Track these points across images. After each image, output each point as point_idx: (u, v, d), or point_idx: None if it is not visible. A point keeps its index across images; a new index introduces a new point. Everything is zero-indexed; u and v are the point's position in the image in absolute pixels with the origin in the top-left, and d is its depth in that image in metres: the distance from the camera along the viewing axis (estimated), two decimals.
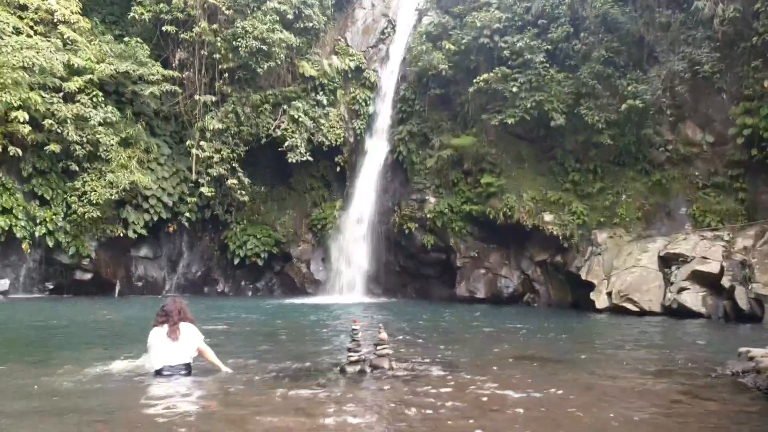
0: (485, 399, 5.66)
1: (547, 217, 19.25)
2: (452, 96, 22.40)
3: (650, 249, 16.89)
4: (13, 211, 18.64)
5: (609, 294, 16.59)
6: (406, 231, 21.60)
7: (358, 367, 6.82)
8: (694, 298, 15.02)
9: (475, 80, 20.22)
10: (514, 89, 19.63)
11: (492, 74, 19.92)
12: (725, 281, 14.64)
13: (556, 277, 19.67)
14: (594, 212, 19.19)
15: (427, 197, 21.69)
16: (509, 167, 20.78)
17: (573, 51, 19.98)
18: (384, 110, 23.73)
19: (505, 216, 19.74)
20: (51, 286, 20.35)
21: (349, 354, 6.95)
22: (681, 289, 15.29)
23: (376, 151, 23.43)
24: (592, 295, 17.04)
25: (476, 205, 20.68)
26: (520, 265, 20.32)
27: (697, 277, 15.22)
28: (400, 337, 10.45)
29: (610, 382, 6.79)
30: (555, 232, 18.87)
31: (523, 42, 20.01)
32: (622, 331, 12.42)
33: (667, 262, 16.32)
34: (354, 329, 6.96)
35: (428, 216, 21.19)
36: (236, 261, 23.09)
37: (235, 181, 22.58)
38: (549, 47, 20.14)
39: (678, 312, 15.07)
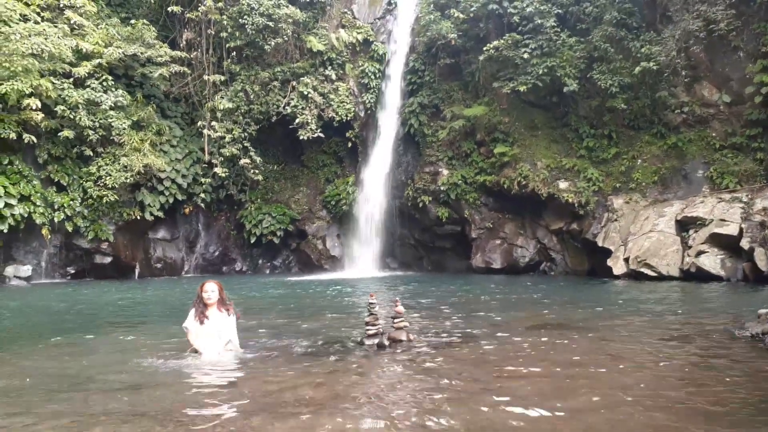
0: (503, 368, 5.70)
1: (562, 184, 19.11)
2: (462, 65, 22.13)
3: (667, 213, 16.73)
4: (32, 198, 18.86)
5: (626, 260, 16.51)
6: (420, 204, 21.57)
7: (375, 341, 6.88)
8: (712, 261, 14.90)
9: (485, 48, 19.93)
10: (525, 56, 19.34)
11: (502, 41, 19.62)
12: (744, 243, 14.48)
13: (572, 245, 19.59)
14: (609, 178, 19.01)
15: (440, 169, 21.60)
16: (522, 136, 20.58)
17: (584, 14, 19.60)
18: (394, 83, 23.52)
19: (519, 185, 19.62)
20: (72, 271, 20.67)
21: (367, 328, 7.01)
22: (699, 253, 15.17)
23: (388, 124, 23.30)
24: (609, 262, 16.98)
25: (490, 176, 20.56)
26: (536, 234, 20.25)
27: (716, 240, 15.08)
28: (417, 309, 10.51)
29: (629, 348, 6.78)
30: (570, 200, 18.74)
31: (532, 7, 19.64)
32: (640, 296, 12.38)
33: (684, 225, 16.17)
34: (371, 303, 7.00)
35: (442, 188, 21.12)
36: (252, 240, 23.27)
37: (247, 160, 22.62)
38: (559, 11, 19.77)
39: (696, 276, 14.97)
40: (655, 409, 4.34)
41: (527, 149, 20.23)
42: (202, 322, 6.59)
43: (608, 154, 19.23)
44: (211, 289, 6.69)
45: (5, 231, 18.13)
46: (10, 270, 19.12)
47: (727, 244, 14.90)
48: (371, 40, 24.17)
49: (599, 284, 15.60)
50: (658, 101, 18.54)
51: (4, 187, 18.21)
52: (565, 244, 19.77)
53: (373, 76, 23.74)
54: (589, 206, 18.69)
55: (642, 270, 15.96)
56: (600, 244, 17.72)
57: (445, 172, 21.40)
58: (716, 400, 4.61)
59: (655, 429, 3.91)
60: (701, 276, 14.87)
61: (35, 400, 4.96)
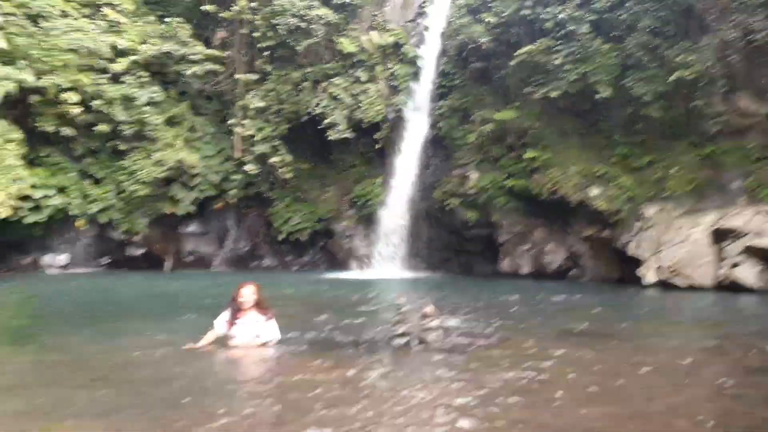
0: (531, 372, 5.67)
1: (594, 191, 18.87)
2: (493, 70, 22.03)
3: (701, 223, 16.44)
4: (68, 190, 19.33)
5: (657, 269, 16.26)
6: (448, 207, 21.48)
7: (404, 340, 6.90)
8: (747, 273, 14.61)
9: (516, 53, 19.81)
10: (558, 61, 19.17)
11: (534, 46, 19.48)
12: None
13: (602, 253, 19.31)
14: (642, 186, 18.71)
15: (468, 173, 21.50)
16: (554, 141, 20.38)
17: (618, 21, 19.35)
18: (424, 86, 23.48)
19: (549, 191, 19.44)
20: (106, 262, 21.10)
21: (395, 327, 7.04)
22: (734, 264, 14.89)
23: (417, 127, 23.28)
24: (640, 271, 16.72)
25: (519, 181, 20.39)
26: (566, 241, 20.03)
27: (752, 252, 14.79)
28: (444, 311, 10.48)
29: (658, 358, 6.70)
30: (601, 207, 18.51)
31: (566, 13, 19.46)
32: (671, 306, 12.21)
33: (719, 236, 15.87)
34: (399, 303, 7.03)
35: (470, 192, 21.01)
36: (281, 237, 23.47)
37: (277, 158, 22.82)
38: (593, 18, 19.53)
39: (731, 287, 14.70)
40: (684, 420, 4.29)
41: (558, 155, 20.03)
42: (230, 327, 6.62)
43: (642, 162, 18.94)
44: (246, 294, 6.66)
45: (43, 221, 18.61)
46: (47, 259, 19.65)
47: (764, 256, 14.61)
48: (402, 42, 24.19)
49: (629, 293, 15.40)
50: (693, 111, 18.21)
51: (43, 179, 18.69)
52: (595, 251, 19.50)
53: (403, 79, 23.76)
54: (620, 214, 18.42)
55: (673, 280, 15.70)
56: (631, 252, 17.47)
57: (474, 175, 21.30)
58: (748, 413, 4.53)
59: None
60: (735, 288, 14.59)
61: (71, 388, 5.08)
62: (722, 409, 4.54)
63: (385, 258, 22.36)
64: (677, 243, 16.31)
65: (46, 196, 18.59)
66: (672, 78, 17.48)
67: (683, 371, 5.87)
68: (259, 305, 6.72)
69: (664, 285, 15.86)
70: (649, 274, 16.42)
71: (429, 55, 23.69)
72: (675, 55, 17.98)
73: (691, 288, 15.30)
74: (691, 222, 16.72)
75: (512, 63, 20.13)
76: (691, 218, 16.98)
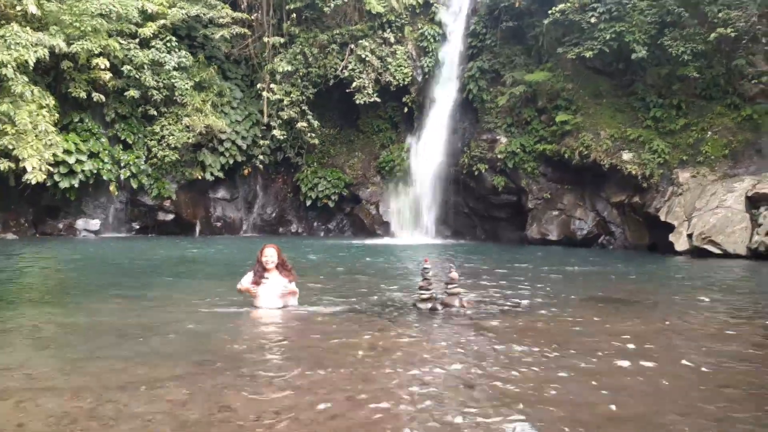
0: (556, 337, 5.64)
1: (626, 155, 18.45)
2: (526, 29, 21.45)
3: (737, 189, 15.96)
4: (100, 155, 19.67)
5: (689, 236, 15.91)
6: (476, 172, 21.27)
7: (429, 305, 6.93)
8: None
9: (550, 11, 19.23)
10: (593, 20, 18.57)
11: (569, 4, 18.86)
12: None
13: (633, 219, 18.99)
14: (676, 150, 18.23)
15: (498, 137, 21.18)
16: (586, 104, 19.91)
17: None
18: (453, 46, 23.02)
19: (580, 155, 19.07)
20: (137, 227, 21.58)
21: (421, 292, 7.06)
22: None
23: (445, 89, 22.91)
24: (671, 237, 16.41)
25: (550, 145, 20.04)
26: (596, 207, 19.72)
27: None
28: (470, 277, 10.47)
29: (688, 324, 6.60)
30: (633, 172, 18.11)
31: None
32: (703, 273, 11.95)
33: (755, 202, 15.41)
34: (425, 268, 7.03)
35: (499, 156, 20.74)
36: (308, 202, 23.62)
37: (305, 123, 22.80)
38: None
39: (765, 255, 14.30)
40: (714, 387, 4.22)
41: (590, 118, 19.57)
42: (258, 284, 6.79)
43: (676, 125, 18.40)
44: (269, 254, 6.84)
45: (76, 186, 19.04)
46: (80, 223, 20.17)
47: None
48: (432, 1, 23.66)
49: (660, 260, 15.14)
50: (733, 70, 17.52)
51: (75, 144, 19.04)
52: (626, 217, 19.18)
53: (432, 40, 23.30)
54: (653, 179, 18.02)
55: (706, 247, 15.36)
56: (663, 218, 17.12)
57: (503, 139, 20.98)
58: None
59: (716, 408, 3.80)
60: None
61: (105, 346, 5.24)
62: (741, 377, 4.45)
63: (411, 224, 22.35)
64: (711, 209, 15.89)
65: (78, 161, 18.96)
66: (713, 36, 16.78)
67: (710, 339, 5.77)
68: (282, 266, 6.87)
69: (696, 252, 15.53)
70: (680, 241, 16.10)
71: (459, 15, 23.13)
72: (717, 11, 17.22)
73: (724, 255, 14.97)
74: (726, 187, 16.24)
75: (546, 22, 19.57)
76: (726, 183, 16.49)
